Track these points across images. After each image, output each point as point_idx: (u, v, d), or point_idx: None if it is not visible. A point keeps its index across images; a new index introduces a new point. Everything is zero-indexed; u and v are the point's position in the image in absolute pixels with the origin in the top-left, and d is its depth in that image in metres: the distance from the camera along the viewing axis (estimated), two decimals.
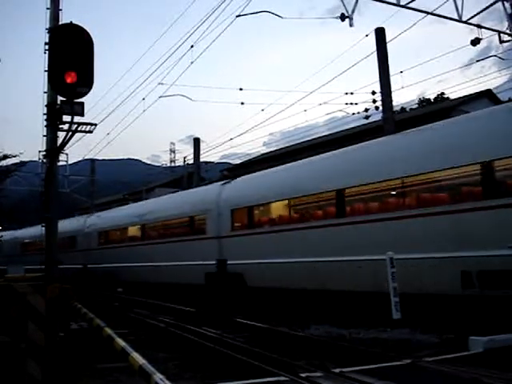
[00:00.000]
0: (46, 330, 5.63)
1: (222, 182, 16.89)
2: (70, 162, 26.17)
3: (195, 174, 28.21)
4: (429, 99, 39.68)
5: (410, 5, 11.97)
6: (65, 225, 26.01)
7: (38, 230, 25.61)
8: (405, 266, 9.14)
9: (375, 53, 16.08)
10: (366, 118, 19.29)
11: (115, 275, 20.88)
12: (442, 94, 36.60)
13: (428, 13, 12.52)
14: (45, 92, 8.49)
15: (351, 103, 20.04)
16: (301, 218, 12.97)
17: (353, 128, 27.42)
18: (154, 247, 19.13)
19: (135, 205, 25.60)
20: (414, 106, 34.60)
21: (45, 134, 8.56)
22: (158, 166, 44.16)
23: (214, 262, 15.16)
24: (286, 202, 13.33)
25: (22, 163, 35.49)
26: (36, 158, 24.04)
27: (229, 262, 14.75)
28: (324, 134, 32.79)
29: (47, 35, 7.99)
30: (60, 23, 8.37)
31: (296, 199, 13.06)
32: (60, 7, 8.68)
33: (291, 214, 13.31)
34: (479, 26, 12.86)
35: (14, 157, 32.84)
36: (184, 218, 17.82)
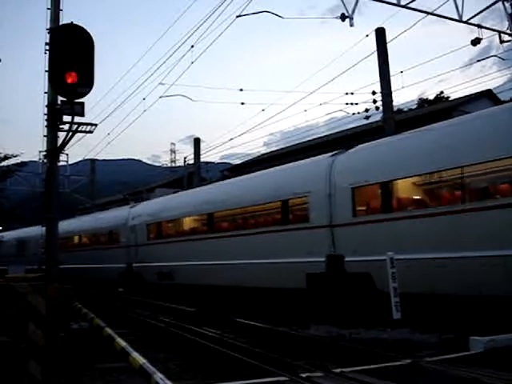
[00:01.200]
0: (46, 329, 5.63)
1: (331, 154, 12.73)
2: (70, 162, 26.13)
3: (195, 174, 28.24)
4: (427, 99, 39.69)
5: (410, 5, 11.98)
6: (102, 218, 25.05)
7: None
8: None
9: (375, 53, 16.10)
10: (366, 118, 19.31)
11: (171, 276, 17.21)
12: (441, 92, 36.63)
13: (428, 13, 12.53)
14: (45, 92, 8.51)
15: (351, 103, 20.05)
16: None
17: (353, 128, 27.43)
18: (227, 240, 14.82)
19: (196, 190, 20.80)
20: (414, 107, 34.58)
21: (45, 134, 8.59)
22: (159, 166, 44.22)
23: (321, 259, 11.29)
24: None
25: (23, 163, 35.55)
26: (36, 158, 24.10)
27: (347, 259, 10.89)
28: (324, 134, 32.81)
29: (47, 35, 8.00)
30: (60, 23, 8.39)
31: None
32: (60, 7, 8.72)
33: None
34: (479, 26, 12.87)
35: (15, 157, 32.90)
36: (273, 202, 13.56)
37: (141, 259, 19.46)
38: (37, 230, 22.27)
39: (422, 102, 38.36)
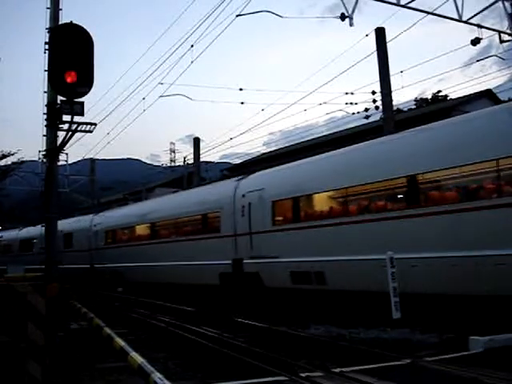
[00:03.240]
0: (45, 329, 5.63)
1: None
2: (69, 162, 26.17)
3: (195, 173, 28.23)
4: (426, 99, 39.67)
5: (410, 5, 11.98)
6: (190, 198, 19.23)
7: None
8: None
9: (375, 53, 16.09)
10: (366, 117, 19.31)
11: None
12: (439, 92, 36.63)
13: (428, 12, 12.52)
14: (45, 92, 8.50)
15: (351, 103, 20.06)
16: None
17: (353, 128, 27.43)
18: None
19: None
20: (412, 107, 34.58)
21: (45, 133, 8.57)
22: (158, 166, 44.13)
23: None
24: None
25: (22, 162, 35.50)
26: (36, 158, 24.11)
27: None
28: (324, 133, 32.80)
29: (47, 35, 7.99)
30: (60, 23, 8.38)
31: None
32: (60, 7, 8.70)
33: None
34: (479, 26, 12.86)
35: (13, 155, 32.83)
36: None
37: (257, 252, 13.40)
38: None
39: (420, 102, 38.34)
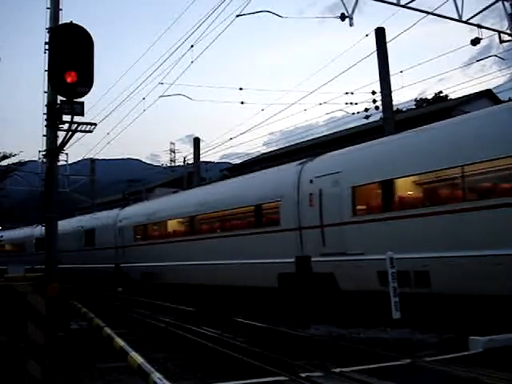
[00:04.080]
0: (45, 329, 5.63)
1: None
2: (69, 162, 26.17)
3: (195, 173, 28.23)
4: (427, 99, 39.67)
5: (410, 5, 11.99)
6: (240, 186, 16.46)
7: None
8: None
9: (375, 53, 16.09)
10: (366, 117, 19.32)
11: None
12: (440, 92, 36.62)
13: (428, 13, 12.53)
14: (45, 92, 8.51)
15: (351, 103, 20.08)
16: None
17: (353, 128, 27.44)
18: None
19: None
20: (412, 107, 34.57)
21: (45, 133, 8.59)
22: (158, 166, 44.15)
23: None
24: None
25: (22, 163, 35.55)
26: (36, 158, 24.06)
27: None
28: (324, 133, 32.82)
29: (47, 35, 8.00)
30: (60, 23, 8.39)
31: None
32: (60, 7, 8.71)
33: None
34: (479, 26, 12.87)
35: (14, 156, 32.85)
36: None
37: (332, 248, 11.17)
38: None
39: (420, 102, 38.34)
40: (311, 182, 11.82)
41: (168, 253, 17.11)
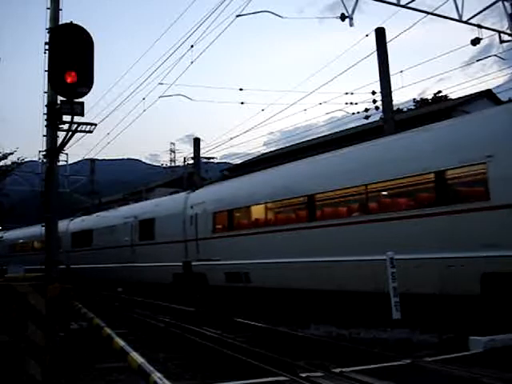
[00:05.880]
0: (45, 329, 5.63)
1: None
2: (69, 162, 26.10)
3: (195, 173, 28.22)
4: (426, 99, 39.65)
5: (410, 5, 11.97)
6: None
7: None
8: None
9: (375, 53, 16.08)
10: (366, 117, 19.30)
11: None
12: (439, 92, 36.60)
13: (428, 12, 12.51)
14: (45, 92, 8.52)
15: (351, 103, 20.06)
16: None
17: (353, 128, 27.42)
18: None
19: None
20: (412, 107, 34.55)
21: (45, 133, 8.59)
22: (158, 166, 44.17)
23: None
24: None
25: (21, 163, 35.49)
26: (36, 158, 24.04)
27: None
28: (324, 133, 32.82)
29: (47, 35, 8.00)
30: (60, 23, 8.39)
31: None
32: (60, 7, 8.71)
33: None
34: (479, 26, 12.84)
35: (12, 154, 32.73)
36: None
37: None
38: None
39: (419, 103, 38.30)
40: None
41: (270, 246, 13.02)
